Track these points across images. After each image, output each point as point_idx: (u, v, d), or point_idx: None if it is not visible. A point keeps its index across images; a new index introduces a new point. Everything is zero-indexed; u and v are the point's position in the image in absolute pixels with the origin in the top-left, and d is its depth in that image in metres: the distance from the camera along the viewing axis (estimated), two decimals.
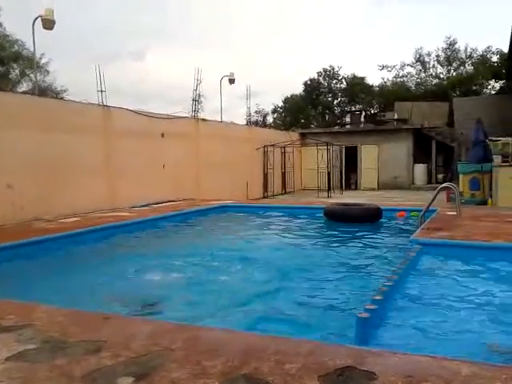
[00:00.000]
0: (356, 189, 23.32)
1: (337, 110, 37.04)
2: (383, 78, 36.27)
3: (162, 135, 13.24)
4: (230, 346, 2.76)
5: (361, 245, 7.47)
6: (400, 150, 22.63)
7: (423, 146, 22.69)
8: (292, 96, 37.80)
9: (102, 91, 12.44)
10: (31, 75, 26.03)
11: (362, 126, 25.56)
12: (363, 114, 27.95)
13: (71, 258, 6.86)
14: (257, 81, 46.22)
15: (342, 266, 6.13)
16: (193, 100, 18.97)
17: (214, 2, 46.82)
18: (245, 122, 23.67)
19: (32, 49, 13.56)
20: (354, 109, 34.23)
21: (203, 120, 16.09)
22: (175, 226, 9.48)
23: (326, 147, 20.29)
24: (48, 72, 27.95)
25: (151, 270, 6.07)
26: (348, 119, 28.19)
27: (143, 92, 38.25)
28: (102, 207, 10.60)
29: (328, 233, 8.99)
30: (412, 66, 34.61)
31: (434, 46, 41.39)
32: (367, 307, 3.48)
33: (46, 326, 3.14)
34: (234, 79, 19.63)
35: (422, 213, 8.00)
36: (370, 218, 9.09)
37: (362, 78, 36.38)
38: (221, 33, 47.63)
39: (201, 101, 22.57)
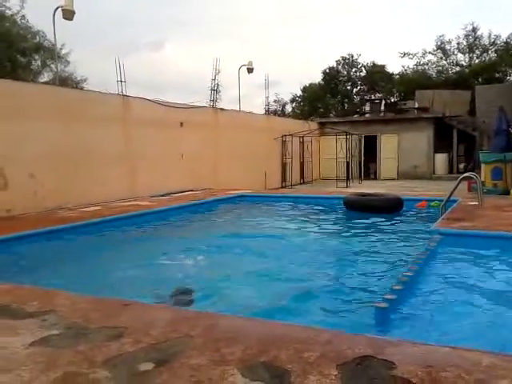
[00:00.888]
0: (375, 178, 23.10)
1: (356, 99, 36.59)
2: (403, 66, 35.63)
3: (181, 125, 13.29)
4: (249, 333, 2.78)
5: (381, 235, 7.42)
6: (420, 139, 22.29)
7: (444, 135, 22.30)
8: (311, 85, 37.46)
9: (121, 81, 12.51)
10: (52, 66, 26.29)
11: (381, 114, 25.23)
12: (383, 102, 27.55)
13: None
14: (275, 70, 45.89)
15: (362, 257, 6.10)
16: (211, 90, 18.96)
17: None
18: (263, 112, 23.57)
19: (53, 39, 13.66)
20: (373, 97, 33.76)
21: (221, 109, 16.08)
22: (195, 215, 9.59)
23: (344, 136, 20.12)
24: (68, 62, 28.18)
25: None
26: (367, 108, 27.84)
27: (162, 82, 38.39)
28: (121, 197, 10.72)
29: (347, 223, 8.95)
30: (433, 54, 33.97)
31: (456, 33, 40.47)
32: (386, 297, 3.47)
33: (69, 313, 3.21)
34: (252, 68, 19.52)
35: (443, 203, 7.90)
36: (390, 208, 9.00)
37: (382, 66, 35.82)
38: (239, 22, 47.44)
39: (219, 90, 22.49)
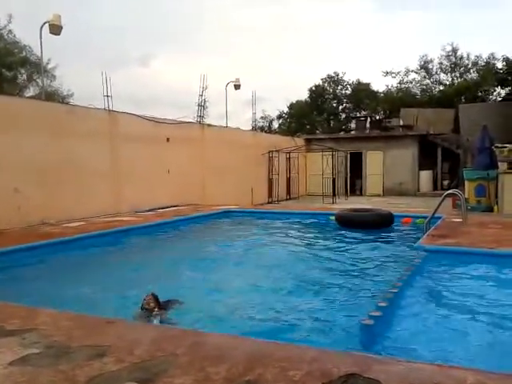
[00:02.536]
0: (361, 195, 23.25)
1: (342, 116, 37.02)
2: (388, 85, 36.22)
3: (168, 140, 13.28)
4: (235, 352, 2.75)
5: (368, 251, 7.44)
6: (405, 156, 22.57)
7: (429, 152, 22.61)
8: (297, 102, 37.83)
9: (108, 96, 12.50)
10: (38, 80, 26.20)
11: (367, 131, 25.51)
12: (368, 120, 27.87)
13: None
14: (262, 87, 46.14)
15: (349, 272, 6.11)
16: (198, 105, 19.04)
17: (219, 9, 47.00)
18: (250, 128, 23.70)
19: (39, 54, 13.65)
20: (359, 115, 34.17)
21: (208, 125, 16.12)
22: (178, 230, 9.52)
23: (330, 153, 20.27)
24: (55, 77, 28.10)
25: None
26: (353, 125, 28.10)
27: (149, 97, 38.36)
28: (106, 212, 10.62)
29: (336, 238, 8.92)
30: (416, 73, 34.60)
31: (437, 52, 41.25)
32: (371, 314, 3.46)
33: (50, 331, 3.14)
34: (239, 85, 19.68)
35: (427, 219, 7.97)
36: (382, 223, 9.03)
37: (367, 84, 36.37)
38: (226, 39, 47.80)
39: (206, 106, 22.59)
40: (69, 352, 2.74)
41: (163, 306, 4.45)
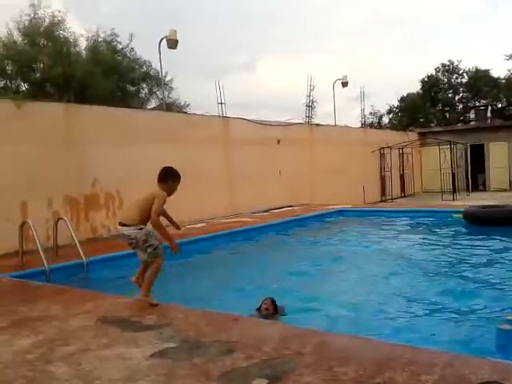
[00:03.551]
0: (484, 190, 21.58)
1: (459, 107, 34.65)
2: (510, 70, 33.06)
3: (278, 142, 13.49)
4: (361, 353, 2.71)
5: (503, 252, 6.90)
6: None
7: None
8: (408, 95, 36.15)
9: (221, 103, 13.04)
10: (158, 93, 28.11)
11: (488, 121, 23.60)
12: (490, 108, 25.77)
13: None
14: (370, 82, 44.83)
15: (482, 274, 5.75)
16: (306, 106, 19.08)
17: (320, 6, 46.59)
18: (359, 125, 23.17)
19: (158, 68, 14.71)
20: (478, 104, 31.71)
21: (317, 125, 16.08)
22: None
23: (448, 146, 19.09)
24: (172, 88, 29.93)
25: None
26: (472, 115, 26.22)
27: (256, 101, 39.18)
28: (222, 214, 11.06)
29: (464, 237, 8.38)
30: None
31: None
32: (509, 318, 3.21)
33: (183, 326, 3.36)
34: (347, 82, 19.36)
35: None
36: None
37: (487, 71, 33.59)
38: (330, 36, 47.20)
39: (314, 106, 22.51)
40: (201, 347, 2.91)
41: (279, 310, 4.55)
